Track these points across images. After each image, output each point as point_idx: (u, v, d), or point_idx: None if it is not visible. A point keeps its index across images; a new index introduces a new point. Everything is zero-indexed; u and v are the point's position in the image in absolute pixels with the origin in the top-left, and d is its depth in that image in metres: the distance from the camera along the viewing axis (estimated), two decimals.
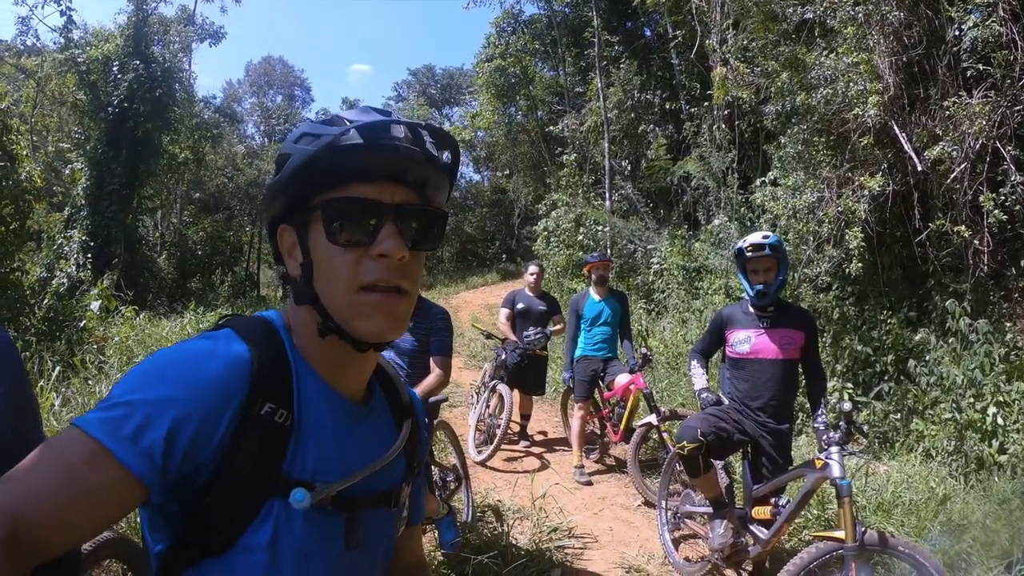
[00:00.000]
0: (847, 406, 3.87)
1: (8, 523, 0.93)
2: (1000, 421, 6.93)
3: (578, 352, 7.53)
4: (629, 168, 20.71)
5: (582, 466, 7.31)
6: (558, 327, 8.27)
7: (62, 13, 20.26)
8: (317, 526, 1.12)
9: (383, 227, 1.10)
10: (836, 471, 3.76)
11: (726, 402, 4.72)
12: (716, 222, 13.56)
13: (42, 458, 0.99)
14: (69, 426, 1.01)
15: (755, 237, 4.58)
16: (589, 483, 7.13)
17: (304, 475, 1.11)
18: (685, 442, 4.40)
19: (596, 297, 7.52)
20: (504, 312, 8.47)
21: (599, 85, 20.77)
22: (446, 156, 1.20)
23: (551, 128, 24.64)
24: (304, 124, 1.18)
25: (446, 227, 1.25)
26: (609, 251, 16.83)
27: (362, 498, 1.20)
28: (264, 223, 1.30)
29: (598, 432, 7.95)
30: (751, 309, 4.68)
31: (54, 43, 22.02)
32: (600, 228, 18.05)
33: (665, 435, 6.82)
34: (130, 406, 0.99)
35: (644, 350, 7.43)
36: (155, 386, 1.02)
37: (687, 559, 5.19)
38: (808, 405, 7.22)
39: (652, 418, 6.67)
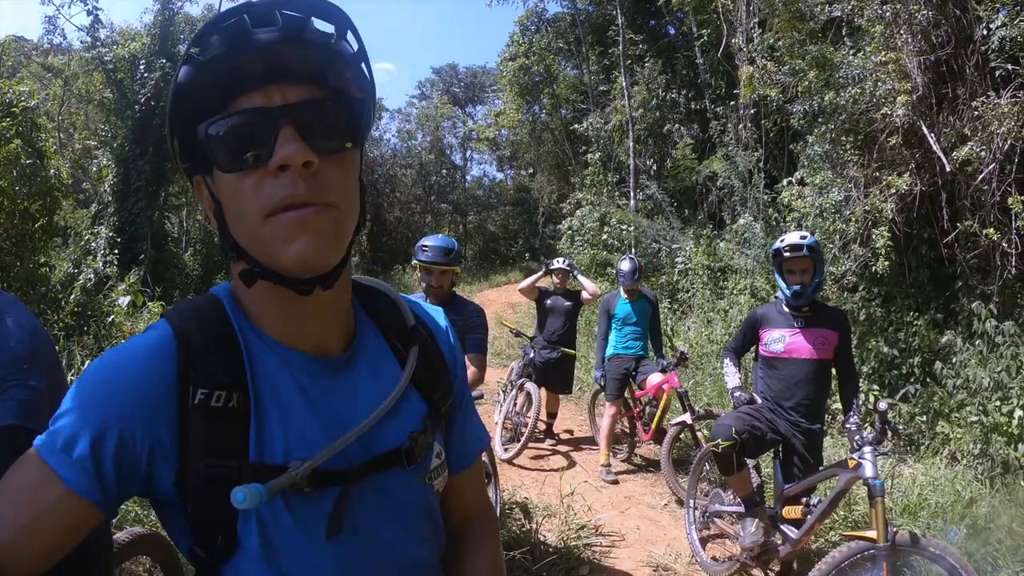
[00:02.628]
0: (883, 405, 3.86)
1: None
2: None
3: (609, 351, 7.54)
4: (654, 167, 20.60)
5: (609, 465, 7.32)
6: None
7: (89, 12, 20.24)
8: (307, 514, 1.00)
9: (279, 134, 0.92)
10: (869, 471, 3.76)
11: (759, 401, 4.73)
12: (741, 222, 13.50)
13: (4, 482, 0.95)
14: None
15: (793, 237, 4.58)
16: (615, 482, 7.15)
17: (275, 458, 0.98)
18: (720, 440, 4.43)
19: (627, 297, 7.55)
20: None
21: (623, 84, 20.71)
22: (332, 31, 1.00)
23: (575, 127, 24.51)
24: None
25: (363, 114, 1.03)
26: (634, 250, 16.75)
27: (356, 468, 1.03)
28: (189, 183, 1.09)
29: (627, 431, 7.96)
30: (786, 309, 4.67)
31: (81, 42, 22.02)
32: (625, 228, 18.00)
33: (699, 434, 6.83)
34: (63, 418, 0.94)
35: (682, 349, 7.45)
36: (79, 396, 0.95)
37: (714, 558, 5.21)
38: (833, 407, 7.23)
39: (686, 417, 6.68)
